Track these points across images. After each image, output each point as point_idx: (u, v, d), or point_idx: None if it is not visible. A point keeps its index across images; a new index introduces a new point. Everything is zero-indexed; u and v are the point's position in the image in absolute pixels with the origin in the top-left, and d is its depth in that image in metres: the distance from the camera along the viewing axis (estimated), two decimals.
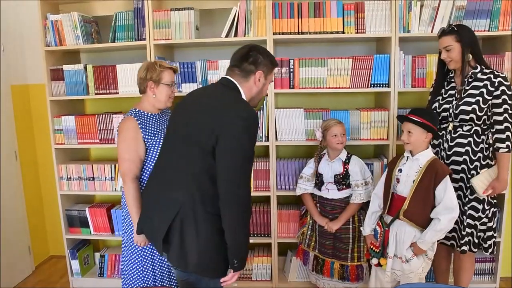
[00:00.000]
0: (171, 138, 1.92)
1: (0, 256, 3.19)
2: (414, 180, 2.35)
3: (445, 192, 2.29)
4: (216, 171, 1.72)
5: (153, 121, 2.37)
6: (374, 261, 2.48)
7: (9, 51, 3.39)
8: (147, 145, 2.31)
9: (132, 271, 2.46)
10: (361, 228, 2.64)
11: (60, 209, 3.28)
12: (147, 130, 2.32)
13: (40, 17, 3.06)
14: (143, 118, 2.34)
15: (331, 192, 2.74)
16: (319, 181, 2.78)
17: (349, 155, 2.76)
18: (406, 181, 2.39)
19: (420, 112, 2.39)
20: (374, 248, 2.49)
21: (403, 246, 2.38)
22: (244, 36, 2.94)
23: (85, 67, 3.12)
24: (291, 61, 2.93)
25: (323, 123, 2.83)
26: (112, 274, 3.36)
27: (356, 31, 2.88)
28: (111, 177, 3.21)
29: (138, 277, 2.45)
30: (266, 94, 2.02)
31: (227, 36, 2.96)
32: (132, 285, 2.47)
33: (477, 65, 2.45)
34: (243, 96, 1.88)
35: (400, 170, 2.43)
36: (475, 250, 2.52)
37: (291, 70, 2.93)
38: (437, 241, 2.57)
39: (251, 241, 3.12)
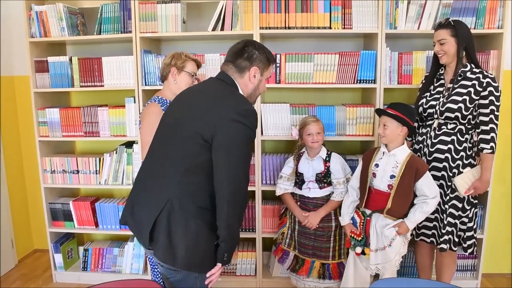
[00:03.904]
0: (167, 130, 1.86)
1: None
2: (391, 176, 2.38)
3: (428, 186, 2.36)
4: (211, 166, 1.69)
5: None
6: (358, 249, 2.49)
7: None
8: None
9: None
10: (340, 218, 2.62)
11: (44, 202, 3.26)
12: None
13: (25, 7, 3.03)
14: (166, 105, 2.40)
15: (312, 190, 2.72)
16: (299, 180, 2.76)
17: (329, 153, 2.74)
18: (383, 176, 2.42)
19: (396, 106, 2.41)
20: (355, 237, 2.50)
21: (384, 240, 2.40)
22: (231, 30, 2.92)
23: (70, 59, 3.09)
24: (278, 56, 2.92)
25: (300, 121, 2.80)
26: (96, 268, 3.34)
27: (343, 26, 2.88)
28: (96, 171, 3.19)
29: (151, 272, 2.58)
30: (264, 90, 1.98)
31: (214, 29, 2.94)
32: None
33: (468, 63, 2.44)
34: (240, 92, 1.85)
35: (377, 165, 2.46)
36: (455, 248, 2.53)
37: (278, 65, 2.92)
38: (418, 238, 2.61)
39: None
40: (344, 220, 2.59)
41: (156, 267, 2.54)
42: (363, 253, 2.48)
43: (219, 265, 1.79)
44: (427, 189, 2.35)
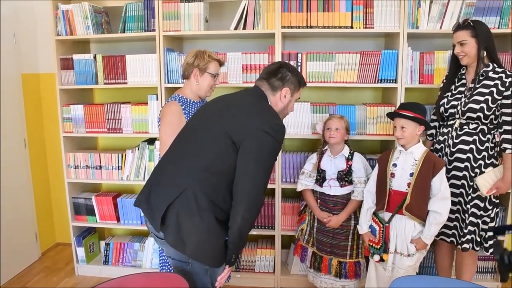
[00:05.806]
0: (193, 129, 1.94)
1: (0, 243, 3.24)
2: (411, 174, 2.37)
3: (442, 182, 2.35)
4: (231, 171, 1.76)
5: (195, 108, 2.46)
6: (376, 257, 2.49)
7: (20, 40, 3.43)
8: None
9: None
10: (358, 227, 2.61)
11: (67, 197, 3.33)
12: (190, 116, 2.38)
13: (52, 6, 3.10)
14: (186, 104, 2.43)
15: (333, 188, 2.72)
16: (320, 177, 2.76)
17: (351, 151, 2.74)
18: (402, 175, 2.41)
19: (410, 106, 2.41)
20: (374, 245, 2.51)
21: (405, 241, 2.39)
22: (253, 29, 2.95)
23: (95, 57, 3.16)
24: (299, 55, 2.94)
25: None
26: (117, 262, 3.40)
27: (364, 26, 2.88)
28: (118, 166, 3.24)
29: (161, 264, 2.63)
30: (292, 110, 2.09)
31: (236, 28, 2.97)
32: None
33: (489, 63, 2.42)
34: None
35: (395, 165, 2.45)
36: (478, 248, 2.51)
37: (299, 64, 2.94)
38: (438, 237, 2.60)
39: (254, 233, 3.16)
40: (363, 229, 2.56)
41: (167, 262, 2.58)
42: (381, 259, 2.48)
43: (227, 267, 1.87)
44: (443, 186, 2.34)
